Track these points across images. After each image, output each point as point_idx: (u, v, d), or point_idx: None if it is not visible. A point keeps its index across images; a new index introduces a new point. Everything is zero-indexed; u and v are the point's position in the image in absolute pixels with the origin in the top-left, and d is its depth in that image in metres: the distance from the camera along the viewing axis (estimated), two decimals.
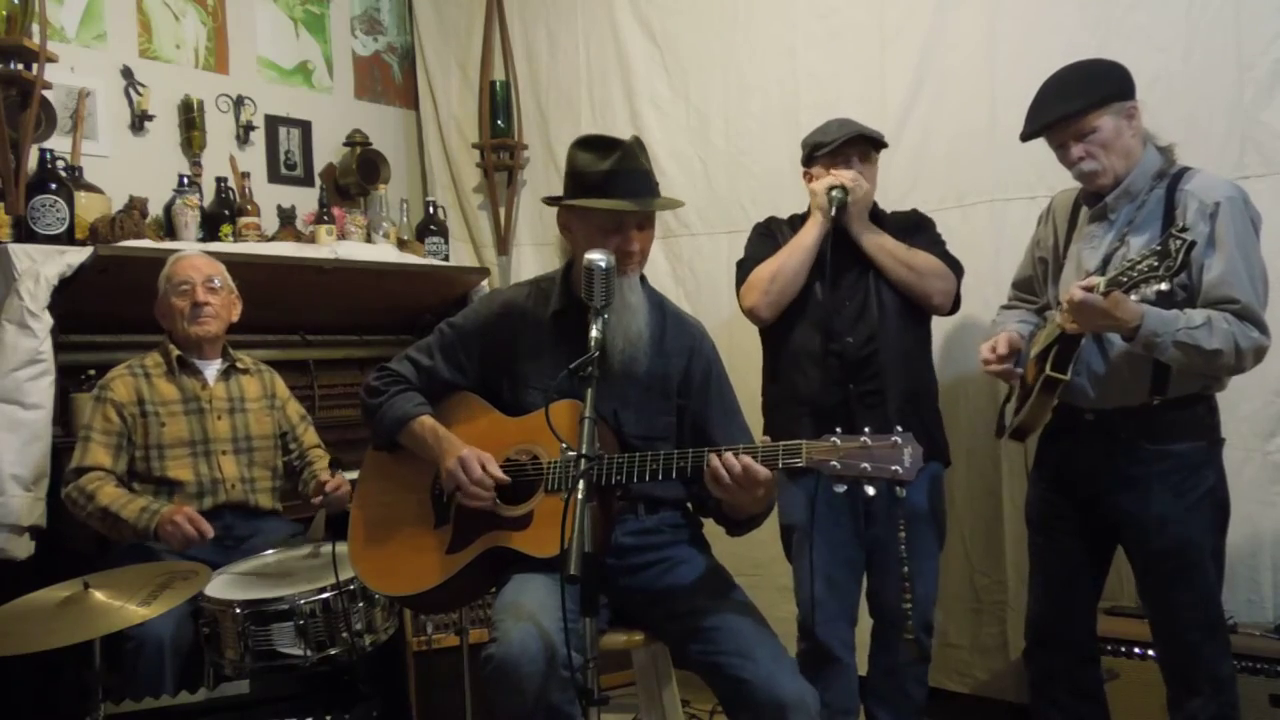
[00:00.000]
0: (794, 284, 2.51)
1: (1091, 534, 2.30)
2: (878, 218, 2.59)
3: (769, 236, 2.65)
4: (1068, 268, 2.30)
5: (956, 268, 2.57)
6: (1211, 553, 2.16)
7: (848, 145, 2.50)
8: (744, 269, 2.62)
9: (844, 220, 2.47)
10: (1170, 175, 2.18)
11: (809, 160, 2.58)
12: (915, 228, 2.62)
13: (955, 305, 2.59)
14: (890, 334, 2.50)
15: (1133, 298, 1.98)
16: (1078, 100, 2.15)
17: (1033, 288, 2.49)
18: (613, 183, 1.92)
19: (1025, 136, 2.27)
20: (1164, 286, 1.93)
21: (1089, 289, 2.00)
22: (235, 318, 2.81)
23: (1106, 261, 2.17)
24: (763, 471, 1.73)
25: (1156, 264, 1.91)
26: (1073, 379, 2.18)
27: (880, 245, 2.51)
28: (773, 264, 2.53)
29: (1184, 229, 1.92)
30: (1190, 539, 2.14)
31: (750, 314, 2.57)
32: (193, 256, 2.78)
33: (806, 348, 2.53)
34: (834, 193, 2.44)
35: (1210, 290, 2.06)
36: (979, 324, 3.05)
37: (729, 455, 1.75)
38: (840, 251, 2.49)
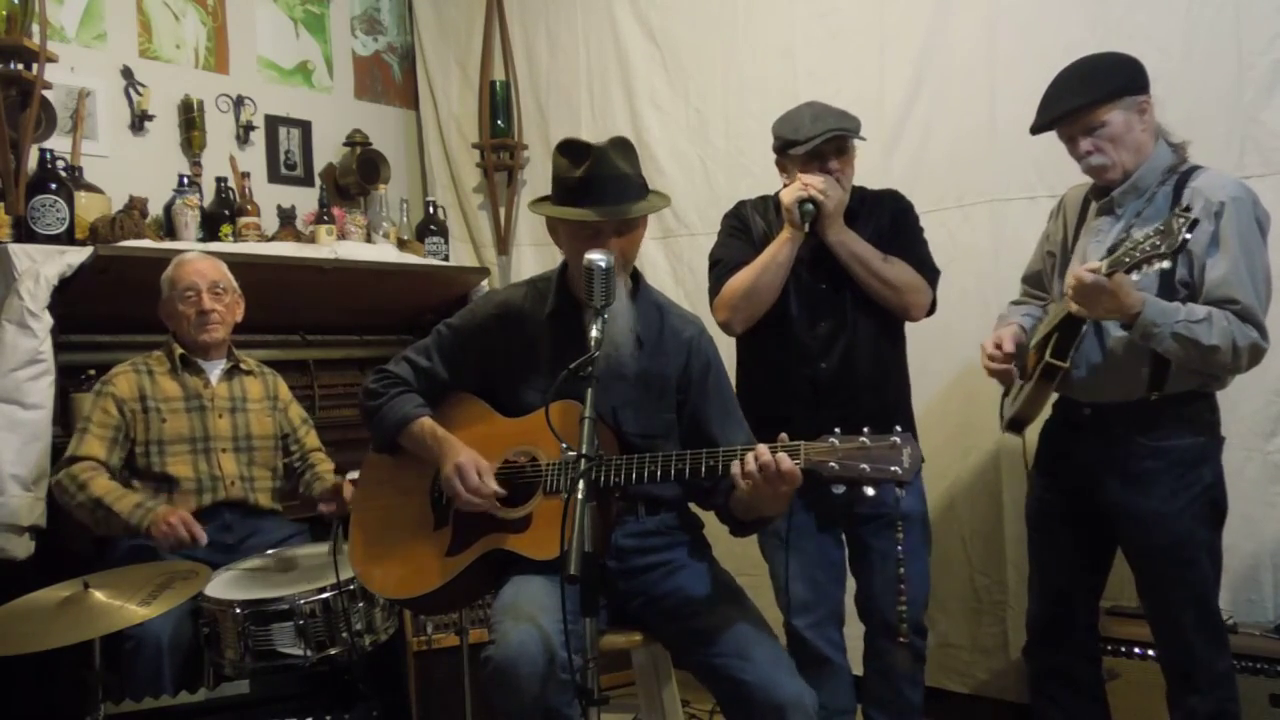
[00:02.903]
0: (768, 301, 2.42)
1: (1090, 531, 2.30)
2: (854, 195, 2.48)
3: (741, 233, 2.55)
4: (1074, 261, 2.29)
5: (932, 274, 2.48)
6: (1207, 550, 2.16)
7: (824, 142, 2.36)
8: (717, 273, 2.51)
9: (818, 226, 2.38)
10: (1180, 173, 2.16)
11: (782, 151, 2.46)
12: (893, 222, 2.50)
13: (930, 310, 2.51)
14: (865, 355, 2.42)
15: (1134, 277, 1.97)
16: (1087, 94, 2.14)
17: (1042, 282, 2.47)
18: (585, 190, 1.92)
19: (1035, 129, 2.26)
20: (1166, 265, 1.93)
21: (1093, 270, 1.99)
22: (239, 318, 2.81)
23: (1111, 254, 2.16)
24: (788, 465, 1.68)
25: (1159, 242, 1.90)
26: (1071, 370, 2.18)
27: (855, 255, 2.39)
28: (747, 278, 2.42)
29: (1187, 208, 1.92)
30: (1185, 536, 2.13)
31: (724, 327, 2.50)
32: (196, 260, 2.75)
33: (778, 367, 2.45)
34: (806, 206, 2.33)
35: (1212, 290, 2.06)
36: (979, 324, 3.04)
37: (764, 450, 1.71)
38: (815, 257, 2.42)
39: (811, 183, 2.34)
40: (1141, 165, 2.17)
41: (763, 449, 1.71)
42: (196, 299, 2.69)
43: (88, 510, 2.47)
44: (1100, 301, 2.03)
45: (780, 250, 2.40)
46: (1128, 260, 1.95)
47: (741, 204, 2.64)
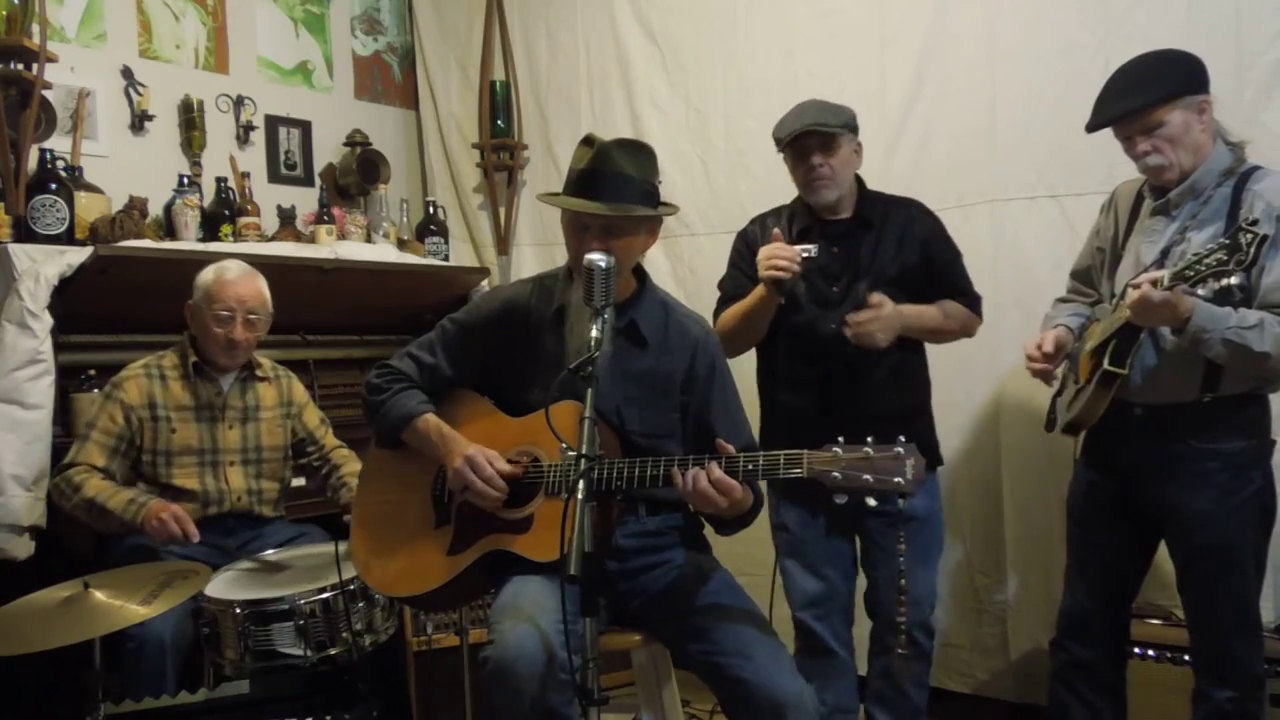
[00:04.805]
0: (748, 345, 2.51)
1: (1135, 528, 2.28)
2: (868, 200, 2.49)
3: (743, 262, 2.54)
4: (1125, 260, 2.27)
5: (977, 302, 2.54)
6: (1253, 554, 2.16)
7: (804, 137, 2.36)
8: (718, 302, 2.56)
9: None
10: (1239, 174, 2.14)
11: (778, 151, 2.49)
12: (928, 256, 2.47)
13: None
14: (878, 361, 2.41)
15: (1200, 292, 1.96)
16: (1146, 94, 2.11)
17: (1090, 278, 2.44)
18: (583, 182, 1.91)
19: (1091, 128, 2.22)
20: (1234, 280, 1.92)
21: (1153, 283, 1.98)
22: (265, 333, 2.76)
23: (1165, 255, 2.15)
24: (703, 484, 1.76)
25: (1226, 258, 1.89)
26: (1129, 374, 2.16)
27: (926, 330, 2.46)
28: (727, 323, 2.47)
29: (1254, 222, 1.90)
30: (1232, 539, 2.13)
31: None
32: (237, 282, 2.65)
33: (790, 368, 2.47)
34: (782, 285, 2.32)
35: (1267, 294, 2.04)
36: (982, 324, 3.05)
37: (695, 472, 1.77)
38: (829, 260, 2.42)
39: (775, 262, 2.30)
40: (1199, 166, 2.14)
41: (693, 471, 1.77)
42: (231, 322, 2.62)
43: (84, 511, 2.47)
44: (1163, 314, 2.02)
45: (753, 308, 2.42)
46: (1191, 275, 1.93)
47: (754, 222, 2.63)
